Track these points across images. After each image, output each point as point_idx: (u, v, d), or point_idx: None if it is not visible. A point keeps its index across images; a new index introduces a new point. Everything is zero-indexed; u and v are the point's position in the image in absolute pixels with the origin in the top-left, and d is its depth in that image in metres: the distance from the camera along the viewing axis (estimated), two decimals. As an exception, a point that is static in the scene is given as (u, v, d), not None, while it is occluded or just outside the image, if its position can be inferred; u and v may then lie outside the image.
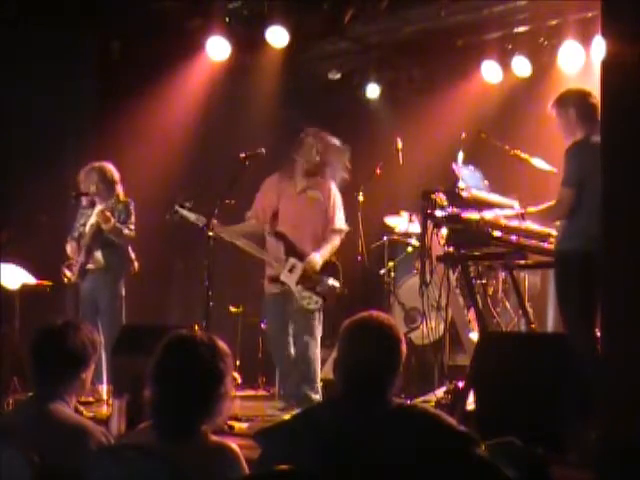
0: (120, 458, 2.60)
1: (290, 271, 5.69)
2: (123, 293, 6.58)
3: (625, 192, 2.55)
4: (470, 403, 4.75)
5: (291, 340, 5.81)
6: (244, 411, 5.61)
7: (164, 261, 8.17)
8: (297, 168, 5.88)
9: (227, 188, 5.71)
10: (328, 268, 5.79)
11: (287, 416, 3.86)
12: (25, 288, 6.45)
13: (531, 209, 4.98)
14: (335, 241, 5.90)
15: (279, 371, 6.32)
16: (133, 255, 6.62)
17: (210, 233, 5.58)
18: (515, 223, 5.06)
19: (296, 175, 5.88)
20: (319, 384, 5.77)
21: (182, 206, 5.64)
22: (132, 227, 6.51)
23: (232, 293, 7.87)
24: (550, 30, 7.70)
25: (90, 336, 3.20)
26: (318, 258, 5.74)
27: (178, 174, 7.90)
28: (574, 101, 4.72)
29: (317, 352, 5.77)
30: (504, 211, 5.14)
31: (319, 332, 5.79)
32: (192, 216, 5.63)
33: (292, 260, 5.70)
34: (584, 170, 4.45)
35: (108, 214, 6.35)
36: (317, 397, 5.66)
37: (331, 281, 5.76)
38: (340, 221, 5.95)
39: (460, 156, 5.66)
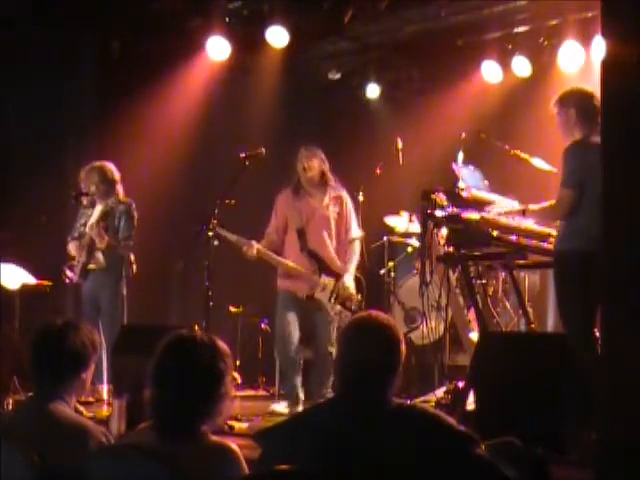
0: (120, 458, 2.61)
1: (322, 289, 5.91)
2: (125, 293, 6.58)
3: (625, 192, 2.54)
4: (470, 403, 4.74)
5: (297, 337, 5.89)
6: (244, 411, 5.61)
7: (164, 261, 8.15)
8: (307, 183, 5.96)
9: (227, 188, 5.72)
10: (354, 282, 6.04)
11: (287, 416, 3.86)
12: (25, 288, 6.42)
13: (532, 206, 4.98)
14: (357, 251, 6.13)
15: (279, 366, 6.36)
16: (132, 257, 6.62)
17: (210, 233, 5.60)
18: (515, 223, 5.06)
19: (309, 190, 6.00)
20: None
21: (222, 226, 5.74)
22: (131, 242, 6.48)
23: (232, 293, 7.86)
24: (550, 30, 7.70)
25: (90, 336, 3.20)
26: (349, 279, 5.98)
27: (178, 174, 7.91)
28: (575, 102, 4.71)
29: None
30: (505, 206, 5.15)
31: None
32: (233, 237, 5.80)
33: (324, 278, 5.92)
34: (584, 170, 4.44)
35: (102, 231, 6.32)
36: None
37: (359, 297, 6.03)
38: (356, 229, 6.16)
39: (460, 156, 5.66)
